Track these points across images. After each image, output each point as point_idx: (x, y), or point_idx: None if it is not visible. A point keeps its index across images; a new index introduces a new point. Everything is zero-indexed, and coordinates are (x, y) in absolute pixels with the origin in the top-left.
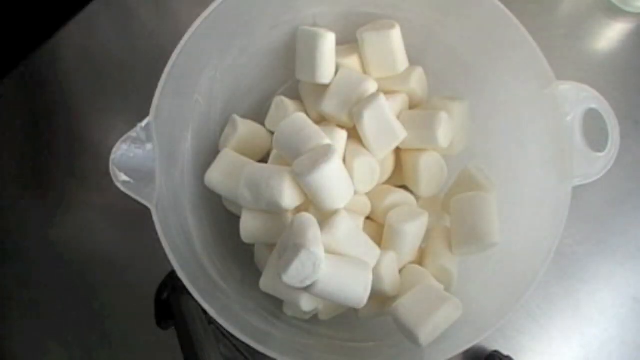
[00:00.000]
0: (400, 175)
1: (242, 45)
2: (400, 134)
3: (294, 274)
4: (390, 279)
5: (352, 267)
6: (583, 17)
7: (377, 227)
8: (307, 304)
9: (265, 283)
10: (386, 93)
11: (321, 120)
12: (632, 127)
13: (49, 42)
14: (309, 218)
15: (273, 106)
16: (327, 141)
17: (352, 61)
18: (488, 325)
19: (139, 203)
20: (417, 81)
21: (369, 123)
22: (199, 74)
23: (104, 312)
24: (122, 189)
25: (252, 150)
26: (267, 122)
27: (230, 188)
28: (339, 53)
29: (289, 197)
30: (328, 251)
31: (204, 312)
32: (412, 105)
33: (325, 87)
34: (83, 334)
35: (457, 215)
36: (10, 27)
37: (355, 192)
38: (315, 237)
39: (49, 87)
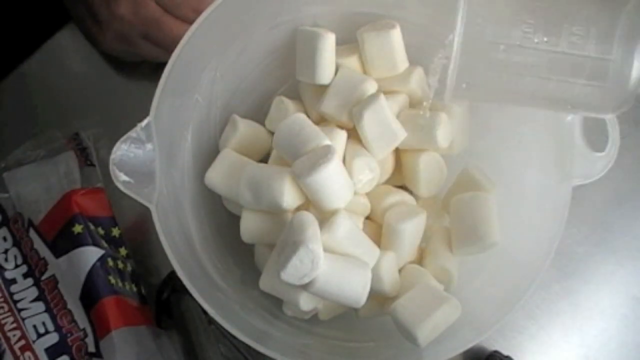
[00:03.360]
0: (400, 176)
1: (242, 46)
2: (400, 135)
3: (292, 271)
4: (389, 278)
5: (351, 266)
6: None
7: (377, 227)
8: (306, 303)
9: (265, 282)
10: (386, 93)
11: (321, 120)
12: (632, 127)
13: (48, 42)
14: (308, 216)
15: (273, 106)
16: (327, 141)
17: (352, 61)
18: (488, 325)
19: (139, 203)
20: (417, 81)
21: (368, 123)
22: (199, 74)
23: None
24: (122, 189)
25: (252, 150)
26: (267, 122)
27: (230, 188)
28: (339, 53)
29: (289, 198)
30: (327, 251)
31: (204, 312)
32: (412, 105)
33: (325, 88)
34: None
35: (457, 215)
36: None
37: (355, 192)
38: (314, 234)
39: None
